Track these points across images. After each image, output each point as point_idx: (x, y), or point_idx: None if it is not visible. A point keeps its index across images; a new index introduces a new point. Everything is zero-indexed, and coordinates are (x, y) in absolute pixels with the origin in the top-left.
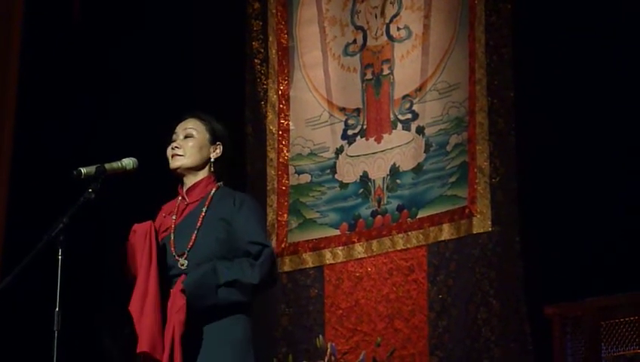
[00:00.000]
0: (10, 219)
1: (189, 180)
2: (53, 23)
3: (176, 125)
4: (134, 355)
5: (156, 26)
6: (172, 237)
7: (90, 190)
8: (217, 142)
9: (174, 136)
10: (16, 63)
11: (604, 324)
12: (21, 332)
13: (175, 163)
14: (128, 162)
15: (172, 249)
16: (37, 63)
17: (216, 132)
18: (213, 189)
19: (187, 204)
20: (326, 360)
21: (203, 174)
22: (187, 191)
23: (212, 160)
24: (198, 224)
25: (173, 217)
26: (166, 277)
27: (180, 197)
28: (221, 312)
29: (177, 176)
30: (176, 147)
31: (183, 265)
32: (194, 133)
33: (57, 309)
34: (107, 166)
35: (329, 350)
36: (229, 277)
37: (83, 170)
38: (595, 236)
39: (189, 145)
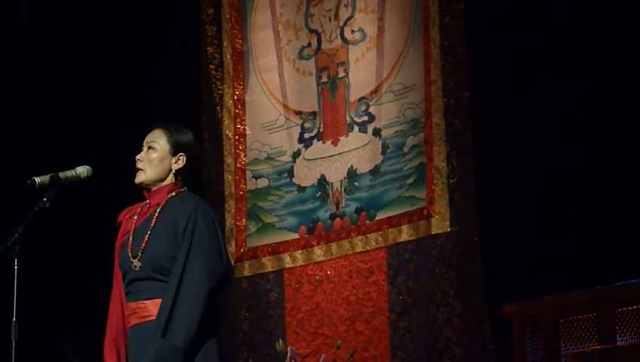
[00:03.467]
0: None
1: (154, 188)
2: (2, 28)
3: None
4: None
5: (110, 33)
6: (130, 239)
7: (44, 199)
8: (180, 153)
9: (142, 148)
10: None
11: (562, 322)
12: None
13: (138, 178)
14: (82, 170)
15: (129, 251)
16: None
17: (180, 143)
18: (173, 193)
19: (149, 208)
20: None
21: (167, 182)
22: (150, 195)
23: (173, 171)
24: (152, 225)
25: (135, 217)
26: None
27: (145, 201)
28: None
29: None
30: (138, 160)
31: (136, 266)
32: (155, 145)
33: (14, 319)
34: (61, 174)
35: (289, 354)
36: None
37: (37, 180)
38: (552, 234)
39: (150, 158)
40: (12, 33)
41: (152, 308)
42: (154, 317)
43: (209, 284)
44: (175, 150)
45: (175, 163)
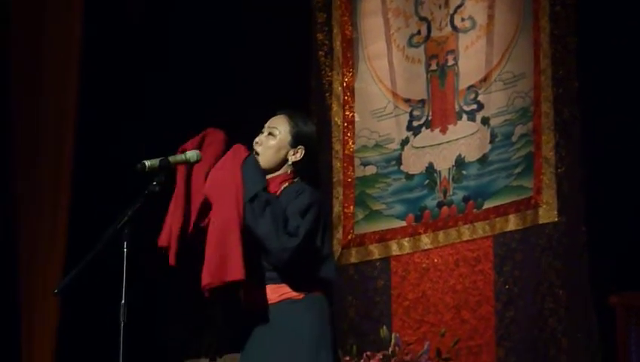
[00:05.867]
0: (75, 212)
1: (267, 176)
2: (113, 23)
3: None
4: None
5: (221, 19)
6: None
7: (154, 183)
8: (299, 146)
9: (262, 130)
10: (76, 62)
11: None
12: (88, 325)
13: None
14: (192, 155)
15: None
16: (98, 63)
17: (301, 135)
18: (286, 184)
19: None
20: (390, 350)
21: (281, 172)
22: None
23: (290, 162)
24: None
25: None
26: None
27: None
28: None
29: None
30: (256, 143)
31: None
32: (276, 132)
33: (123, 301)
34: (171, 158)
35: (393, 341)
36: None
37: (147, 163)
38: None
39: (268, 145)
40: (123, 30)
41: (269, 292)
42: (271, 302)
43: (282, 245)
44: (295, 142)
45: (293, 155)
